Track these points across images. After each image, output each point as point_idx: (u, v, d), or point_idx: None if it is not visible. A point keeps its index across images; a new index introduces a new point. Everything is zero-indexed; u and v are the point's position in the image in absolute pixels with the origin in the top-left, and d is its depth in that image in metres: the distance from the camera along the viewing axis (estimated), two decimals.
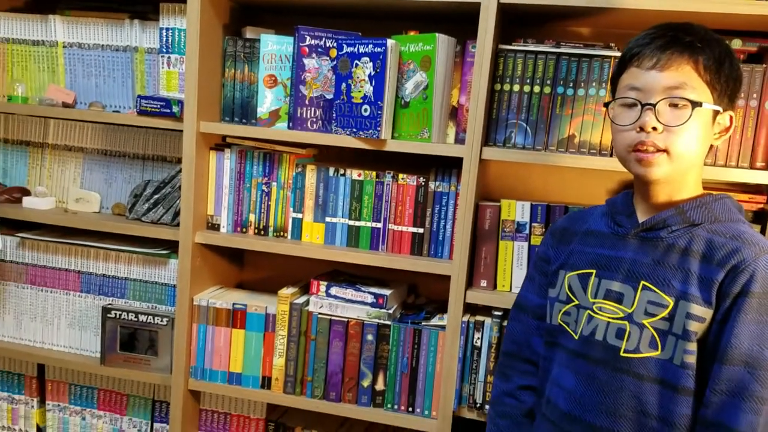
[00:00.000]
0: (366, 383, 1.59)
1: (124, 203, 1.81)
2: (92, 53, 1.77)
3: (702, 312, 0.97)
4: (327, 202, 1.62)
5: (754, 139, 1.38)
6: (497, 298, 1.51)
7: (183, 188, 1.64)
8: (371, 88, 1.48)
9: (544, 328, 1.16)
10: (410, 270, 1.56)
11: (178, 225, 1.67)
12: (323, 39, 1.58)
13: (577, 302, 1.09)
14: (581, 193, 1.62)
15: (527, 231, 1.51)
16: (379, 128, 1.49)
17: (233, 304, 1.66)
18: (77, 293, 1.80)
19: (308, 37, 1.56)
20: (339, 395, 1.61)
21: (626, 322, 1.03)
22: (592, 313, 1.07)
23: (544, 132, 1.47)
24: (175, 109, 1.61)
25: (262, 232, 1.67)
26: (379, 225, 1.59)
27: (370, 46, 1.48)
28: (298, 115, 1.59)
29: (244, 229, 1.68)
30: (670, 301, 0.99)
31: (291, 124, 1.59)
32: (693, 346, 0.98)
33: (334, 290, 1.61)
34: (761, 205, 1.43)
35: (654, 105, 0.98)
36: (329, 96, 1.60)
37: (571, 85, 1.45)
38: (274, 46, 1.59)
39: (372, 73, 1.48)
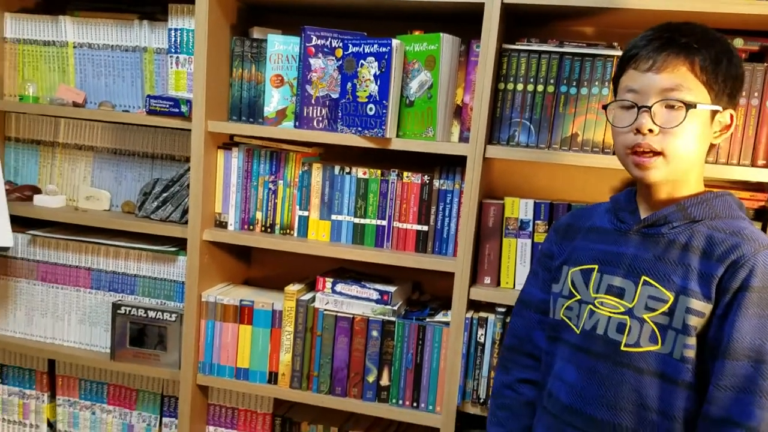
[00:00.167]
0: (371, 378, 1.61)
1: (133, 201, 1.83)
2: (102, 53, 1.80)
3: (701, 307, 0.99)
4: (333, 200, 1.64)
5: (756, 138, 1.39)
6: (501, 295, 1.52)
7: (191, 186, 1.66)
8: (376, 88, 1.50)
9: (547, 322, 1.18)
10: (415, 267, 1.58)
11: (186, 223, 1.69)
12: (329, 39, 1.60)
13: (579, 297, 1.11)
14: (584, 190, 1.64)
15: (530, 228, 1.53)
16: (384, 127, 1.51)
17: (241, 300, 1.68)
18: (87, 290, 1.82)
19: (314, 38, 1.58)
20: (344, 390, 1.63)
21: (627, 317, 1.04)
22: (593, 308, 1.08)
23: (547, 130, 1.49)
24: (184, 108, 1.63)
25: (269, 230, 1.69)
26: (384, 223, 1.61)
27: (376, 46, 1.50)
28: (305, 114, 1.61)
29: (251, 227, 1.71)
30: (670, 296, 1.01)
31: (297, 123, 1.61)
32: (692, 341, 0.99)
33: (339, 287, 1.63)
34: (762, 203, 1.44)
35: (650, 107, 0.99)
36: (335, 95, 1.62)
37: (574, 84, 1.47)
38: (280, 46, 1.61)
39: (377, 73, 1.50)
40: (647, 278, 1.03)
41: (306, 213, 1.66)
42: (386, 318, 1.59)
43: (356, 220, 1.63)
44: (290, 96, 1.64)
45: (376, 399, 1.62)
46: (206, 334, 1.71)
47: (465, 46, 1.55)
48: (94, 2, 1.83)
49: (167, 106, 1.64)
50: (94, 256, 1.80)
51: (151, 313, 1.73)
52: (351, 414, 1.76)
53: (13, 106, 1.85)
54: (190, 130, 1.65)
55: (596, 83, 1.45)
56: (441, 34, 1.48)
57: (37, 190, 1.89)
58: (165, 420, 1.86)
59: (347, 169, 1.62)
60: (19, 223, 1.77)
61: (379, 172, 1.60)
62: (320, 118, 1.63)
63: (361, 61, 1.52)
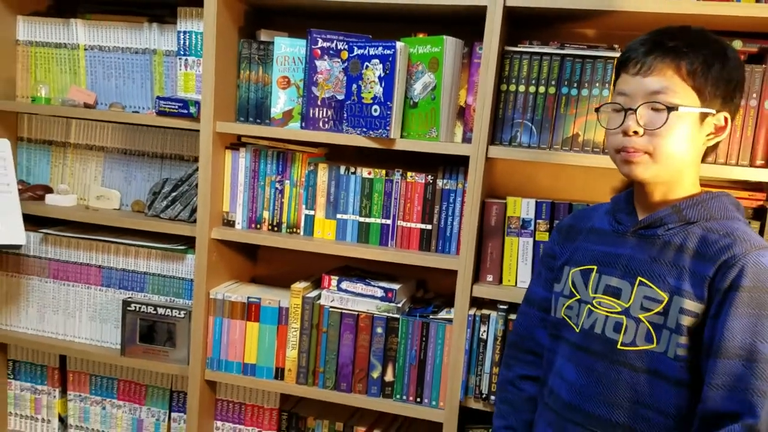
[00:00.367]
0: (376, 374, 1.64)
1: (143, 200, 1.85)
2: (112, 56, 1.82)
3: (694, 307, 1.01)
4: (338, 199, 1.66)
5: (754, 138, 1.41)
6: (503, 293, 1.55)
7: (200, 186, 1.69)
8: (381, 89, 1.53)
9: (549, 321, 1.21)
10: (419, 265, 1.60)
11: (195, 221, 1.71)
12: (335, 42, 1.62)
13: (579, 297, 1.13)
14: (585, 190, 1.65)
15: (532, 227, 1.55)
16: (388, 128, 1.53)
17: (248, 297, 1.71)
18: (98, 287, 1.84)
19: (320, 40, 1.61)
20: (350, 386, 1.66)
21: (623, 317, 1.06)
22: (592, 308, 1.10)
23: (549, 131, 1.51)
24: (193, 109, 1.65)
25: (276, 229, 1.72)
26: (389, 221, 1.64)
27: (380, 48, 1.52)
28: (311, 115, 1.63)
29: (259, 226, 1.73)
30: (665, 297, 1.03)
31: (303, 124, 1.64)
32: (685, 340, 1.01)
33: (345, 284, 1.65)
34: (761, 202, 1.46)
35: (635, 109, 1.01)
36: (340, 97, 1.64)
37: (576, 85, 1.49)
38: (287, 49, 1.64)
39: (382, 75, 1.52)
40: (643, 279, 1.05)
41: (312, 212, 1.69)
42: (390, 315, 1.62)
43: (361, 219, 1.65)
44: (296, 97, 1.66)
45: (380, 394, 1.64)
46: (214, 330, 1.74)
47: (468, 49, 1.57)
48: (104, 5, 1.85)
49: (176, 107, 1.66)
50: (105, 254, 1.83)
51: (161, 310, 1.76)
52: (356, 409, 1.78)
53: (26, 107, 1.87)
54: (198, 130, 1.67)
55: (597, 84, 1.47)
56: (444, 37, 1.50)
57: (49, 190, 1.91)
58: (174, 415, 1.88)
59: (352, 169, 1.65)
60: (31, 221, 1.79)
61: (383, 172, 1.63)
62: (326, 119, 1.65)
63: (366, 63, 1.55)
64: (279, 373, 1.71)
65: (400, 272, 1.75)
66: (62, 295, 1.87)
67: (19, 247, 1.77)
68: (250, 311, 1.71)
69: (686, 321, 1.01)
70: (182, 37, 1.72)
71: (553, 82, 1.50)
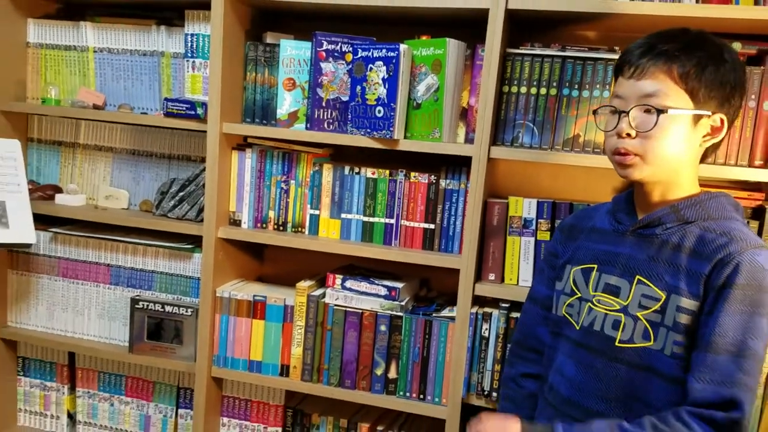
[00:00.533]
0: (379, 371, 1.66)
1: (151, 200, 1.87)
2: (121, 58, 1.84)
3: (690, 305, 1.02)
4: (342, 199, 1.69)
5: (753, 139, 1.43)
6: (505, 291, 1.57)
7: (207, 186, 1.71)
8: (385, 91, 1.55)
9: (551, 318, 1.23)
10: (422, 264, 1.62)
11: (202, 221, 1.74)
12: (339, 44, 1.64)
13: (579, 295, 1.15)
14: (587, 190, 1.67)
15: (534, 227, 1.57)
16: (392, 128, 1.55)
17: (254, 295, 1.73)
18: (107, 285, 1.87)
19: (325, 43, 1.63)
20: (354, 383, 1.68)
21: (621, 314, 1.08)
22: (591, 305, 1.12)
23: (550, 132, 1.53)
24: (200, 111, 1.68)
25: (281, 228, 1.74)
26: (392, 221, 1.66)
27: (384, 50, 1.55)
28: (316, 116, 1.66)
29: (264, 225, 1.76)
30: (662, 295, 1.04)
31: (309, 125, 1.66)
32: (682, 338, 1.03)
33: (349, 283, 1.67)
34: (759, 202, 1.48)
35: (628, 112, 1.03)
36: (345, 98, 1.66)
37: (576, 87, 1.51)
38: (292, 51, 1.66)
39: (385, 77, 1.55)
40: (641, 277, 1.07)
41: (317, 212, 1.71)
42: (394, 313, 1.64)
43: (365, 219, 1.67)
44: (302, 99, 1.68)
45: (384, 391, 1.66)
46: (221, 328, 1.76)
47: (470, 51, 1.59)
48: (113, 8, 1.88)
49: (184, 108, 1.68)
50: (113, 252, 1.85)
51: (168, 308, 1.78)
52: (360, 406, 1.80)
53: (36, 109, 1.89)
54: (205, 131, 1.69)
55: (597, 86, 1.49)
56: (447, 39, 1.52)
57: (59, 190, 1.93)
58: (181, 411, 1.91)
59: (357, 170, 1.67)
60: (41, 221, 1.81)
61: (387, 172, 1.65)
62: (330, 120, 1.67)
63: (370, 65, 1.57)
64: (284, 370, 1.73)
65: (404, 271, 1.77)
66: (71, 293, 1.90)
67: (29, 246, 1.78)
68: (256, 309, 1.73)
69: (683, 319, 1.03)
70: (189, 39, 1.74)
71: (554, 84, 1.51)
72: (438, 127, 1.56)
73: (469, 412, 1.63)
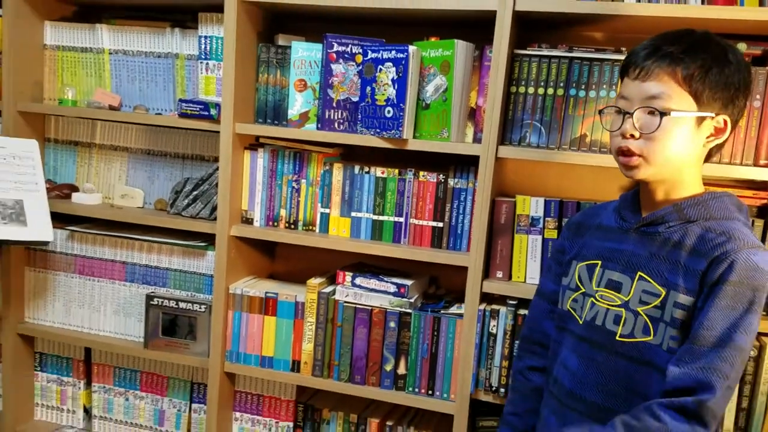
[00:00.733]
0: (389, 367, 1.68)
1: (165, 199, 1.90)
2: (136, 59, 1.87)
3: (686, 300, 1.04)
4: (353, 197, 1.71)
5: (758, 138, 1.44)
6: (512, 288, 1.59)
7: (220, 185, 1.73)
8: (394, 91, 1.57)
9: (557, 313, 1.25)
10: (430, 262, 1.64)
11: (215, 219, 1.76)
12: (350, 46, 1.67)
13: (583, 290, 1.18)
14: (593, 189, 1.68)
15: (541, 225, 1.59)
16: (401, 128, 1.58)
17: (265, 292, 1.76)
18: (122, 282, 1.90)
19: (336, 44, 1.66)
20: (363, 378, 1.70)
21: (623, 310, 1.10)
22: (594, 301, 1.15)
23: (557, 132, 1.55)
24: (213, 111, 1.70)
25: (292, 226, 1.77)
26: (401, 219, 1.68)
27: (393, 52, 1.57)
28: (326, 116, 1.68)
29: (276, 223, 1.78)
30: (662, 291, 1.06)
31: (319, 125, 1.68)
32: (678, 333, 1.05)
33: (359, 280, 1.70)
34: (765, 201, 1.49)
35: (632, 113, 1.05)
36: (355, 99, 1.69)
37: (583, 87, 1.53)
38: (304, 53, 1.69)
39: (395, 77, 1.57)
40: (642, 274, 1.09)
41: (327, 210, 1.74)
42: (403, 310, 1.66)
43: (375, 217, 1.70)
44: (313, 99, 1.71)
45: (393, 387, 1.68)
46: (233, 324, 1.79)
47: (478, 52, 1.61)
48: (128, 11, 1.91)
49: (198, 109, 1.71)
50: (129, 250, 1.88)
51: (182, 305, 1.81)
52: (370, 402, 1.83)
53: (53, 109, 1.91)
54: (218, 132, 1.71)
55: (604, 86, 1.51)
56: (455, 41, 1.54)
57: (75, 189, 1.96)
58: (194, 406, 1.93)
59: (366, 169, 1.70)
60: (58, 219, 1.83)
61: (396, 171, 1.67)
62: (341, 121, 1.70)
63: (380, 66, 1.59)
64: (295, 366, 1.76)
65: (413, 269, 1.79)
66: (87, 289, 1.93)
67: (46, 243, 1.81)
68: (268, 306, 1.76)
69: (679, 314, 1.05)
70: (203, 41, 1.76)
71: (561, 84, 1.53)
72: (446, 127, 1.58)
73: (477, 408, 1.67)
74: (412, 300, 1.67)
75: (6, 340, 1.96)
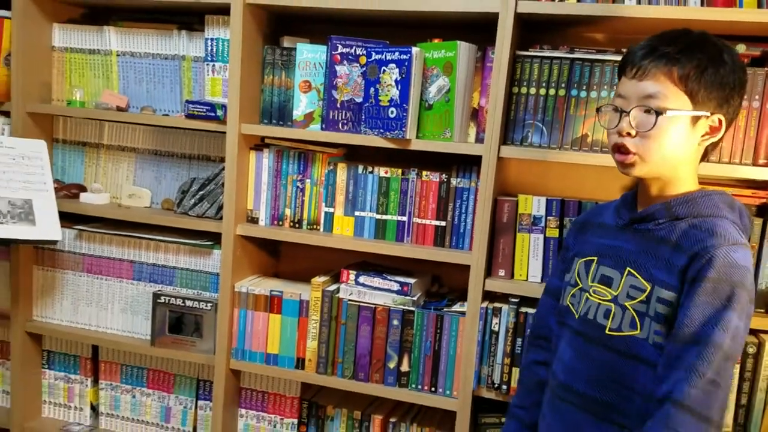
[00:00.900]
0: (392, 365, 1.70)
1: (172, 199, 1.92)
2: (143, 61, 1.89)
3: (668, 296, 1.06)
4: (356, 197, 1.73)
5: (757, 138, 1.45)
6: (514, 287, 1.60)
7: (226, 185, 1.76)
8: (397, 92, 1.59)
9: (557, 308, 1.28)
10: (433, 260, 1.66)
11: (221, 218, 1.78)
12: (353, 47, 1.69)
13: (581, 285, 1.20)
14: (595, 188, 1.70)
15: (543, 224, 1.60)
16: (404, 129, 1.60)
17: (270, 291, 1.78)
18: (130, 281, 1.91)
19: (340, 46, 1.68)
20: (367, 376, 1.72)
21: (612, 304, 1.12)
22: (588, 295, 1.17)
23: (559, 131, 1.57)
24: (219, 112, 1.72)
25: (297, 225, 1.79)
26: (405, 218, 1.70)
27: (397, 53, 1.59)
28: (330, 117, 1.70)
29: (281, 223, 1.80)
30: (648, 286, 1.08)
31: (324, 126, 1.71)
32: (662, 327, 1.06)
33: (362, 279, 1.72)
34: (764, 200, 1.50)
35: (629, 112, 1.07)
36: (359, 99, 1.70)
37: (585, 87, 1.54)
38: (308, 54, 1.71)
39: (398, 79, 1.59)
40: (631, 269, 1.11)
41: (331, 209, 1.75)
42: (406, 308, 1.68)
43: (378, 216, 1.72)
44: (317, 100, 1.73)
45: (396, 384, 1.70)
46: (239, 322, 1.81)
47: (481, 53, 1.62)
48: (136, 13, 1.93)
49: (204, 110, 1.73)
50: (136, 249, 1.90)
51: (189, 303, 1.83)
52: (373, 398, 1.84)
53: (61, 110, 1.93)
54: (224, 132, 1.74)
55: (605, 87, 1.53)
56: (458, 42, 1.56)
57: (83, 189, 1.98)
58: (200, 403, 1.95)
59: (370, 169, 1.71)
60: (66, 219, 1.85)
61: (399, 171, 1.69)
62: (345, 121, 1.72)
63: (383, 67, 1.61)
64: (300, 363, 1.77)
65: (416, 268, 1.81)
66: (95, 288, 1.95)
67: (55, 242, 1.82)
68: (273, 304, 1.78)
69: (662, 309, 1.06)
70: (209, 43, 1.78)
71: (563, 85, 1.55)
72: (449, 127, 1.60)
73: (479, 405, 1.68)
74: (415, 298, 1.69)
75: (14, 338, 1.98)
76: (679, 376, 1.01)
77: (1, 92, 1.89)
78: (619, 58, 1.50)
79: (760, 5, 1.41)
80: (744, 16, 1.39)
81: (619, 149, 1.09)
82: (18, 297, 1.96)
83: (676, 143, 1.07)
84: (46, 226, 1.68)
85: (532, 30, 1.68)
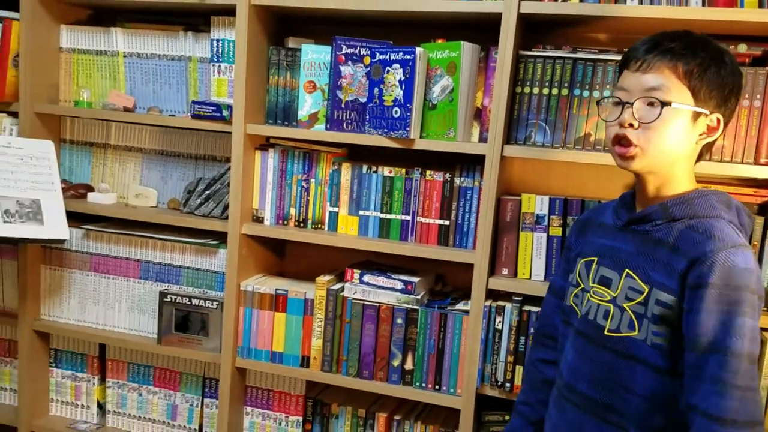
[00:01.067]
0: (396, 363, 1.71)
1: (178, 198, 1.93)
2: (150, 62, 1.91)
3: (667, 299, 1.06)
4: (360, 196, 1.74)
5: (758, 137, 1.46)
6: (517, 285, 1.61)
7: (231, 185, 1.77)
8: (401, 92, 1.61)
9: (563, 308, 1.29)
10: (437, 259, 1.67)
11: (226, 218, 1.80)
12: (358, 48, 1.70)
13: (582, 286, 1.21)
14: (598, 187, 1.71)
15: (546, 223, 1.61)
16: (408, 128, 1.61)
17: (276, 289, 1.79)
18: (136, 280, 1.93)
19: (344, 47, 1.69)
20: (371, 374, 1.73)
21: (611, 305, 1.13)
22: (590, 296, 1.18)
23: (561, 131, 1.58)
24: (225, 113, 1.74)
25: (302, 225, 1.80)
26: (408, 218, 1.71)
27: (401, 53, 1.60)
28: (335, 117, 1.71)
29: (286, 222, 1.82)
30: (645, 288, 1.09)
31: (328, 126, 1.72)
32: (661, 329, 1.06)
33: (367, 277, 1.73)
34: (765, 198, 1.51)
35: (632, 103, 1.07)
36: (363, 99, 1.72)
37: (587, 87, 1.55)
38: (313, 55, 1.72)
39: (402, 79, 1.60)
40: (629, 270, 1.12)
41: (336, 209, 1.77)
42: (410, 306, 1.69)
43: (382, 216, 1.73)
44: (322, 101, 1.74)
45: (400, 382, 1.71)
46: (244, 320, 1.82)
47: (484, 53, 1.64)
48: (142, 15, 1.94)
49: (210, 110, 1.75)
50: (143, 248, 1.91)
51: (195, 301, 1.84)
52: (378, 396, 1.86)
53: (69, 111, 1.95)
54: (230, 132, 1.75)
55: (607, 86, 1.54)
56: (462, 42, 1.57)
57: (91, 188, 1.99)
58: (206, 401, 1.96)
59: (374, 168, 1.73)
60: (73, 218, 1.85)
61: (403, 170, 1.70)
62: (349, 121, 1.73)
63: (387, 67, 1.63)
64: (305, 361, 1.79)
65: (420, 266, 1.82)
66: (102, 287, 1.96)
67: (62, 242, 1.82)
68: (278, 302, 1.79)
69: (659, 311, 1.06)
70: (215, 44, 1.80)
71: (565, 85, 1.56)
72: (453, 127, 1.61)
73: (483, 403, 1.69)
74: (419, 297, 1.70)
75: (22, 336, 2.00)
76: (708, 388, 1.00)
77: (10, 93, 1.91)
78: (620, 57, 1.52)
79: (761, 5, 1.42)
80: (745, 16, 1.40)
81: (620, 141, 1.09)
82: (26, 296, 1.98)
83: (677, 138, 1.07)
84: (54, 226, 1.70)
85: (535, 30, 1.69)
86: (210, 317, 1.84)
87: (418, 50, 1.59)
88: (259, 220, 1.83)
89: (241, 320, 1.83)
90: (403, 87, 1.60)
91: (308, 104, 1.74)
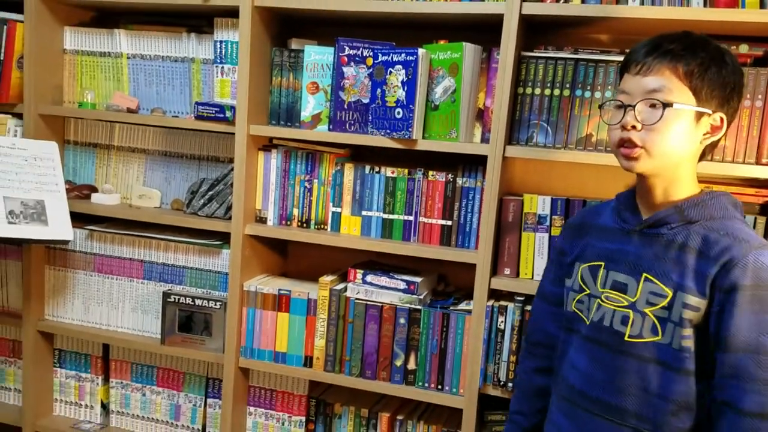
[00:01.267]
0: (399, 363, 1.72)
1: (181, 199, 1.94)
2: (153, 63, 1.92)
3: (696, 302, 1.07)
4: (363, 197, 1.75)
5: (760, 137, 1.46)
6: (520, 285, 1.62)
7: (234, 185, 1.78)
8: (404, 93, 1.61)
9: (562, 315, 1.28)
10: (439, 259, 1.67)
11: (230, 218, 1.80)
12: (360, 49, 1.71)
13: (588, 291, 1.20)
14: (599, 188, 1.70)
15: (548, 223, 1.62)
16: (410, 129, 1.62)
17: (279, 289, 1.80)
18: (140, 280, 1.94)
19: (347, 48, 1.70)
20: (374, 373, 1.73)
21: (630, 311, 1.13)
22: (600, 302, 1.17)
23: (563, 131, 1.58)
24: (228, 114, 1.75)
25: (305, 225, 1.81)
26: (411, 218, 1.72)
27: (403, 55, 1.61)
28: (338, 118, 1.72)
29: (289, 222, 1.82)
30: (669, 292, 1.09)
31: (331, 127, 1.72)
32: (689, 332, 1.07)
33: (369, 278, 1.73)
34: (767, 198, 1.51)
35: (634, 106, 1.07)
36: (366, 100, 1.72)
37: (589, 88, 1.56)
38: (316, 56, 1.73)
39: (404, 80, 1.61)
40: (648, 275, 1.11)
41: (339, 209, 1.77)
42: (413, 306, 1.70)
43: (385, 216, 1.74)
44: (325, 101, 1.75)
45: (403, 382, 1.72)
46: (247, 320, 1.83)
47: (486, 54, 1.64)
48: (146, 16, 1.95)
49: (213, 111, 1.75)
50: (146, 249, 1.92)
51: (198, 302, 1.85)
52: (380, 396, 1.86)
53: (73, 112, 1.96)
54: (233, 133, 1.76)
55: (609, 87, 1.54)
56: (464, 44, 1.58)
57: (94, 189, 2.00)
58: (209, 401, 1.97)
59: (377, 169, 1.73)
60: (77, 219, 1.86)
61: (406, 171, 1.71)
62: (352, 122, 1.74)
63: (390, 69, 1.63)
64: (308, 361, 1.79)
65: (422, 267, 1.82)
66: (106, 287, 1.97)
67: (66, 242, 1.83)
68: (281, 303, 1.80)
69: (688, 315, 1.07)
70: (218, 46, 1.81)
71: (567, 85, 1.57)
72: (455, 128, 1.62)
73: (485, 402, 1.70)
74: (421, 297, 1.71)
75: (26, 337, 2.01)
76: (743, 386, 1.03)
77: (14, 94, 1.92)
78: (622, 58, 1.52)
79: (762, 6, 1.42)
80: (746, 17, 1.40)
81: (624, 143, 1.09)
82: (30, 296, 1.99)
83: (680, 138, 1.08)
84: (58, 227, 1.70)
85: (537, 31, 1.69)
86: (213, 317, 1.85)
87: (421, 51, 1.60)
88: (262, 220, 1.84)
89: (244, 320, 1.83)
90: (406, 88, 1.61)
91: (311, 105, 1.74)
